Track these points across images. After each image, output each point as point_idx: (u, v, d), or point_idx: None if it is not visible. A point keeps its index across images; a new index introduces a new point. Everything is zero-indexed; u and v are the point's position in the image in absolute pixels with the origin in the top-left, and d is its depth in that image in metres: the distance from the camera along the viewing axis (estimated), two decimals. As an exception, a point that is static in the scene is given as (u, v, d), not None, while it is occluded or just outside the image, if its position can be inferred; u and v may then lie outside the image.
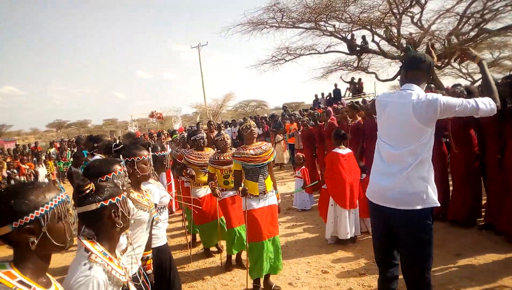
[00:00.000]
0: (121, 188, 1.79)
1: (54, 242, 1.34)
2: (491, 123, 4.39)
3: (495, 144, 4.48)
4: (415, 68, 2.67)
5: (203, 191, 5.12)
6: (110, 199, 1.68)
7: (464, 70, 24.72)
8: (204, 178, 5.03)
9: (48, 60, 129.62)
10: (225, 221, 4.90)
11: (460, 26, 14.44)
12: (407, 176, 2.53)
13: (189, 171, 4.99)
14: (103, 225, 1.70)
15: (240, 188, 3.90)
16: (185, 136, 6.25)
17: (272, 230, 3.99)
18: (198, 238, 5.87)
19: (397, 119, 2.61)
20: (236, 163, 3.97)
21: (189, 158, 5.07)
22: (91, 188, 1.67)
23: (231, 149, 4.69)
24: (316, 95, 19.34)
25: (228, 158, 4.51)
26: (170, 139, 8.34)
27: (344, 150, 5.07)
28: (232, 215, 4.61)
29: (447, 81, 22.25)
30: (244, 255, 4.61)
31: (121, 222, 1.71)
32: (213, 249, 5.43)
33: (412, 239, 2.56)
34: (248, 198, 3.94)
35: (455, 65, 22.40)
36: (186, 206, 5.69)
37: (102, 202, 1.66)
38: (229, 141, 4.66)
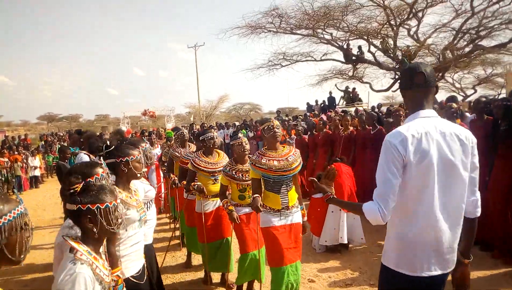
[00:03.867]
0: (107, 194, 1.72)
1: (9, 256, 1.31)
2: (479, 139, 4.41)
3: (483, 165, 4.51)
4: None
5: (211, 205, 4.16)
6: (89, 205, 1.65)
7: (457, 85, 25.05)
8: (214, 188, 4.13)
9: (40, 51, 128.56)
10: (233, 243, 4.11)
11: (455, 41, 14.65)
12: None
13: (197, 186, 4.03)
14: (82, 226, 1.69)
15: (256, 197, 3.23)
16: (184, 133, 5.61)
17: (295, 254, 3.34)
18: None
19: None
20: (254, 172, 3.36)
21: (197, 164, 4.13)
22: (77, 188, 1.66)
23: (249, 157, 3.74)
24: (308, 103, 19.41)
25: (246, 169, 3.72)
26: (164, 140, 7.77)
27: (343, 167, 5.28)
28: (247, 236, 3.72)
29: (441, 95, 22.50)
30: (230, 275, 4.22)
31: (95, 229, 1.67)
32: (216, 279, 4.48)
33: None
34: (267, 213, 3.31)
35: (449, 79, 22.74)
36: (181, 215, 5.30)
37: (80, 206, 1.65)
38: (248, 147, 3.82)
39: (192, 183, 4.10)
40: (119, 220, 1.75)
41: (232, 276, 4.21)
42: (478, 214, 2.03)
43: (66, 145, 7.20)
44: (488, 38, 14.51)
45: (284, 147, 3.46)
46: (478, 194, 2.01)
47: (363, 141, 6.67)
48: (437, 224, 1.87)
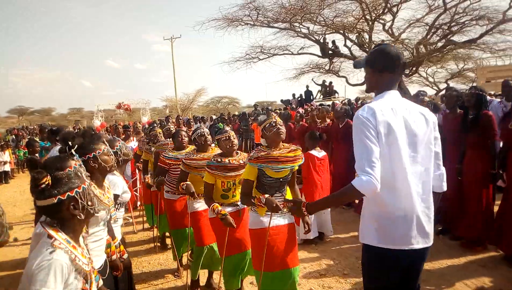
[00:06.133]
0: (80, 178, 1.72)
1: None
2: (452, 132, 4.54)
3: (455, 153, 4.64)
4: None
5: (203, 204, 3.82)
6: (68, 193, 1.63)
7: (430, 79, 25.66)
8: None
9: (9, 40, 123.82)
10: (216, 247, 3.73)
11: (428, 36, 14.93)
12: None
13: (185, 186, 3.64)
14: (63, 217, 1.66)
15: (268, 197, 2.85)
16: (171, 129, 5.26)
17: (291, 258, 3.03)
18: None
19: None
20: (250, 170, 2.98)
21: (190, 161, 3.75)
22: (47, 182, 1.61)
23: (237, 152, 3.53)
24: (282, 100, 19.53)
25: (235, 162, 3.37)
26: (141, 135, 7.49)
27: (319, 153, 5.12)
28: (231, 239, 3.40)
29: (414, 89, 22.98)
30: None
31: (81, 214, 1.67)
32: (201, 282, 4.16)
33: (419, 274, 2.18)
34: (253, 211, 3.04)
35: (422, 73, 23.24)
36: (163, 219, 4.99)
37: (60, 197, 1.61)
38: (236, 141, 3.50)
39: (181, 183, 3.73)
40: (95, 200, 1.75)
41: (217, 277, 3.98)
42: (445, 188, 2.14)
43: (36, 139, 6.98)
44: (460, 34, 14.86)
45: (285, 145, 3.09)
46: (443, 169, 2.13)
47: (336, 134, 6.79)
48: (413, 195, 1.93)
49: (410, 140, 1.94)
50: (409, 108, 2.02)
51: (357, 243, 5.01)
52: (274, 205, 2.76)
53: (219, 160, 3.35)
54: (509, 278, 3.77)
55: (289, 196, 3.17)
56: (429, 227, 2.01)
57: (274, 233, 2.97)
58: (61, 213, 1.65)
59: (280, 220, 3.01)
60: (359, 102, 13.60)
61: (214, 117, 17.53)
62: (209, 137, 3.87)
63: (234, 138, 3.45)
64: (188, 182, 3.69)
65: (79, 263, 1.63)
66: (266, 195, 2.86)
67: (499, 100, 6.87)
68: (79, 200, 1.66)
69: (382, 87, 2.07)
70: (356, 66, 2.30)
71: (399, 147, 1.90)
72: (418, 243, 1.96)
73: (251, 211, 3.08)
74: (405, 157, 1.91)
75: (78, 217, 1.67)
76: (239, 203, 3.46)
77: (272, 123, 3.01)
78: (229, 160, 3.36)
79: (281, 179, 2.99)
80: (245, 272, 3.54)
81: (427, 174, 2.00)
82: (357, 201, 6.48)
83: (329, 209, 5.20)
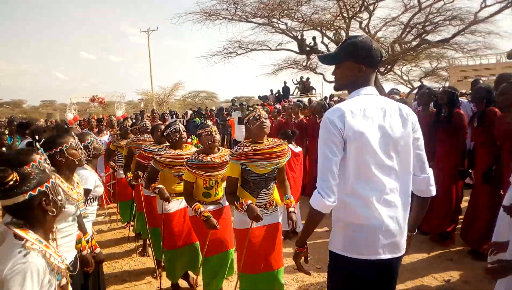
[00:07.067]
0: (47, 172, 1.68)
1: None
2: (424, 129, 4.62)
3: (426, 150, 4.73)
4: None
5: (176, 204, 3.65)
6: (39, 187, 1.57)
7: (405, 77, 26.19)
8: (179, 188, 3.58)
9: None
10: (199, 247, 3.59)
11: (403, 35, 15.26)
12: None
13: (158, 190, 3.45)
14: (34, 215, 1.59)
15: (251, 205, 2.73)
16: (147, 125, 5.05)
17: (276, 260, 2.94)
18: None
19: None
20: (233, 167, 2.85)
21: (162, 157, 3.51)
22: (14, 179, 1.53)
23: (219, 148, 3.34)
24: (259, 96, 19.57)
25: (217, 160, 3.17)
26: (116, 130, 6.92)
27: (296, 148, 5.14)
28: (213, 238, 3.20)
29: (389, 86, 23.41)
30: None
31: (53, 209, 1.62)
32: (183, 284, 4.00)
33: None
34: (238, 211, 2.85)
35: (397, 71, 23.70)
36: (139, 214, 4.74)
37: (30, 192, 1.55)
38: (218, 137, 3.30)
39: (152, 185, 3.55)
40: (62, 194, 1.70)
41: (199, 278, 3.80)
42: (433, 192, 1.94)
43: (5, 132, 6.72)
44: (434, 33, 15.30)
45: (269, 139, 2.95)
46: (429, 171, 1.93)
47: (312, 130, 6.82)
48: (382, 203, 1.77)
49: (383, 143, 1.77)
50: (385, 107, 1.82)
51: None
52: (255, 214, 2.65)
53: (200, 158, 3.12)
54: (475, 271, 3.90)
55: (276, 194, 3.06)
56: (400, 237, 1.85)
57: (259, 234, 2.86)
58: (32, 211, 1.58)
59: (265, 220, 2.85)
60: (334, 98, 13.74)
61: (189, 112, 17.33)
62: (184, 134, 3.66)
63: (216, 134, 3.25)
64: (160, 186, 3.48)
65: (54, 262, 1.58)
66: (249, 202, 2.73)
67: (469, 99, 7.07)
68: (50, 195, 1.60)
69: (359, 84, 1.87)
70: (328, 59, 2.02)
71: (369, 152, 1.74)
72: (386, 254, 1.81)
73: (236, 210, 2.92)
74: (376, 162, 1.75)
75: (50, 212, 1.61)
76: (221, 200, 3.34)
77: (256, 116, 2.85)
78: (211, 158, 3.14)
79: (266, 175, 2.87)
80: (227, 273, 3.42)
81: (404, 180, 1.83)
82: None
83: (299, 206, 5.23)
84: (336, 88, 2.04)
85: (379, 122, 1.78)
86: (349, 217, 1.83)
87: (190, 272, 3.91)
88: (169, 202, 3.53)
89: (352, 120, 1.74)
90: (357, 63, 1.83)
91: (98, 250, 2.71)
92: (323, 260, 4.41)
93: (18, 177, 1.55)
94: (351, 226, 1.83)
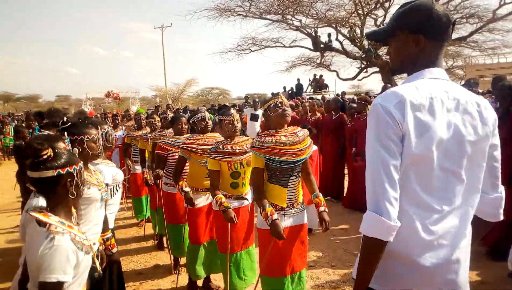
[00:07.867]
0: (77, 156, 1.75)
1: None
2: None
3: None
4: None
5: (203, 199, 3.57)
6: (68, 168, 1.64)
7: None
8: (207, 182, 3.41)
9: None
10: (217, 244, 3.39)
11: (419, 33, 15.04)
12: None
13: (185, 194, 3.39)
14: (56, 194, 1.65)
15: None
16: (169, 117, 4.92)
17: (299, 262, 2.78)
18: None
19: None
20: (256, 158, 2.66)
21: (190, 146, 3.43)
22: (49, 154, 1.60)
23: (240, 136, 3.26)
24: (272, 93, 19.50)
25: (238, 147, 3.09)
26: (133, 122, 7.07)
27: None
28: (233, 235, 3.12)
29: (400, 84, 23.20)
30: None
31: (75, 192, 1.67)
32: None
33: None
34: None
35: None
36: (153, 211, 4.80)
37: (59, 170, 1.61)
38: (239, 126, 3.20)
39: (180, 183, 3.43)
40: (85, 182, 1.79)
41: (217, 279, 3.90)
42: (501, 217, 1.48)
43: (23, 125, 6.86)
44: (450, 31, 15.02)
45: (288, 129, 2.75)
46: (502, 189, 1.46)
47: (327, 127, 6.79)
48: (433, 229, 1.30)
49: (451, 148, 1.29)
50: (459, 97, 1.32)
51: (345, 235, 5.09)
52: (278, 233, 2.48)
53: (221, 147, 3.06)
54: (492, 271, 3.86)
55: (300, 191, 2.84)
56: (450, 276, 1.34)
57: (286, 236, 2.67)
58: (55, 189, 1.63)
59: (290, 220, 2.70)
60: (344, 96, 13.61)
61: (203, 108, 17.36)
62: (210, 122, 3.61)
63: (238, 122, 3.16)
64: (187, 189, 3.41)
65: (80, 241, 1.62)
66: (274, 216, 2.52)
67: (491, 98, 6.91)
68: (75, 177, 1.66)
69: (421, 63, 1.37)
70: (377, 34, 1.57)
71: (432, 157, 1.26)
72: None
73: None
74: (437, 173, 1.28)
75: (71, 195, 1.66)
76: (247, 195, 3.23)
77: (277, 103, 2.65)
78: (231, 146, 3.06)
79: (292, 163, 2.65)
80: (250, 277, 3.28)
81: (468, 197, 1.35)
82: (345, 194, 6.52)
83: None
84: (392, 72, 1.58)
85: (450, 117, 1.29)
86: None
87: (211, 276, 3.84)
88: (193, 206, 3.46)
89: (415, 110, 1.26)
90: (414, 34, 1.36)
91: (115, 250, 2.67)
92: (338, 257, 4.41)
93: (52, 153, 1.61)
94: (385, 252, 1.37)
